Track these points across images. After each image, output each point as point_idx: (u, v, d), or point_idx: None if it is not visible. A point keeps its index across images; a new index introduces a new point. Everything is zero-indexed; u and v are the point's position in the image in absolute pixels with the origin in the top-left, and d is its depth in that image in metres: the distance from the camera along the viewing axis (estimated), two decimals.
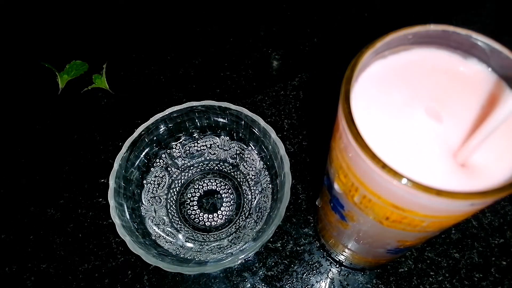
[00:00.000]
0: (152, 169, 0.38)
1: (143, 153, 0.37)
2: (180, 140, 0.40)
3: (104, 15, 0.54)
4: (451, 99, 0.19)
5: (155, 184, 0.38)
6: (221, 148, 0.40)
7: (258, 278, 0.35)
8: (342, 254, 0.32)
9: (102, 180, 0.40)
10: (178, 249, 0.35)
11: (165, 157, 0.39)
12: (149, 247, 0.33)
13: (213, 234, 0.37)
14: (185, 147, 0.40)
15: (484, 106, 0.19)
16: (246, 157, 0.39)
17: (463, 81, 0.20)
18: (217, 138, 0.40)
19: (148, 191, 0.38)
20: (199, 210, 0.38)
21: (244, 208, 0.38)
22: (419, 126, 0.18)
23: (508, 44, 0.19)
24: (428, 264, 0.35)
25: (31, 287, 0.36)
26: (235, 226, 0.37)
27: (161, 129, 0.37)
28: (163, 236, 0.35)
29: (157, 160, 0.39)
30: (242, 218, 0.37)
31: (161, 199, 0.38)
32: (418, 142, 0.18)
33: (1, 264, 0.37)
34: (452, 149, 0.18)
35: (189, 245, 0.36)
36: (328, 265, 0.36)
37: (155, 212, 0.37)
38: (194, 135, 0.40)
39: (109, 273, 0.36)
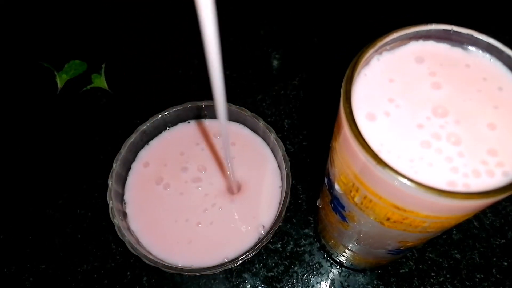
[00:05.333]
0: None
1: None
2: None
3: (103, 15, 0.54)
4: (457, 93, 0.19)
5: None
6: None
7: (258, 279, 0.35)
8: (342, 255, 0.32)
9: (101, 181, 0.40)
10: None
11: None
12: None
13: None
14: None
15: (492, 98, 0.18)
16: None
17: (466, 73, 0.19)
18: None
19: None
20: None
21: None
22: (423, 124, 0.18)
23: (508, 43, 0.19)
24: (429, 265, 0.35)
25: None
26: None
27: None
28: None
29: None
30: None
31: None
32: (422, 140, 0.17)
33: (0, 264, 0.37)
34: (456, 147, 0.17)
35: None
36: (328, 266, 0.36)
37: None
38: None
39: (108, 274, 0.36)
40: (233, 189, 0.34)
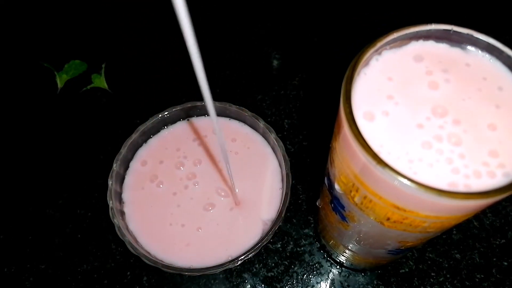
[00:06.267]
0: None
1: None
2: None
3: (103, 15, 0.54)
4: (456, 92, 0.18)
5: None
6: None
7: (258, 279, 0.35)
8: (342, 255, 0.32)
9: (101, 181, 0.40)
10: None
11: None
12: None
13: None
14: None
15: (492, 97, 0.18)
16: None
17: (466, 72, 0.19)
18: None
19: None
20: None
21: None
22: (423, 124, 0.18)
23: (508, 43, 0.19)
24: (429, 265, 0.35)
25: None
26: None
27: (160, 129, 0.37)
28: None
29: None
30: None
31: None
32: (422, 141, 0.17)
33: (0, 264, 0.37)
34: (457, 148, 0.17)
35: None
36: (328, 266, 0.36)
37: None
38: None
39: (108, 274, 0.36)
40: (233, 191, 0.34)
